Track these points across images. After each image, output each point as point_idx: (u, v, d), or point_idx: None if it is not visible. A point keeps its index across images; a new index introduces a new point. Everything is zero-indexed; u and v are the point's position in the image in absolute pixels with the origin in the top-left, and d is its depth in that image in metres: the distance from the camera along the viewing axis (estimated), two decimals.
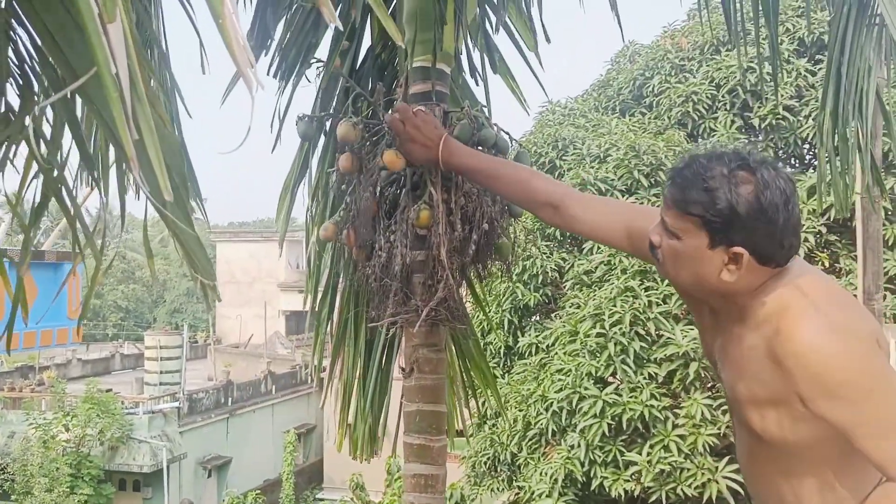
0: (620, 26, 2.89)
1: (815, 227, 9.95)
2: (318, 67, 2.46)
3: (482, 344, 5.08)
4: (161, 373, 23.54)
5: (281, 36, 2.49)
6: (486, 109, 2.46)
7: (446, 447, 2.31)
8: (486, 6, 2.49)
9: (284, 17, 2.52)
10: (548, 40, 2.45)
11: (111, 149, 1.77)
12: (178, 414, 22.24)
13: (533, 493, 8.66)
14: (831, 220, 9.76)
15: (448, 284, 2.08)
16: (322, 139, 2.61)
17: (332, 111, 2.52)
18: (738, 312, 1.53)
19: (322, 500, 23.84)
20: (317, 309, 2.65)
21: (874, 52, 2.53)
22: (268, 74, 2.47)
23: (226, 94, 2.23)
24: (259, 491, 20.25)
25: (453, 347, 2.62)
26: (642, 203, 9.71)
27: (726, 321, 1.58)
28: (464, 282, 2.33)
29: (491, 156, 2.14)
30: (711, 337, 1.66)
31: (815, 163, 11.11)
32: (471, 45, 2.59)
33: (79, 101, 1.61)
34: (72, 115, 1.56)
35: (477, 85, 2.62)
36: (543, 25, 2.49)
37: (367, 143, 2.20)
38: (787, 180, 1.46)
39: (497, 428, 9.84)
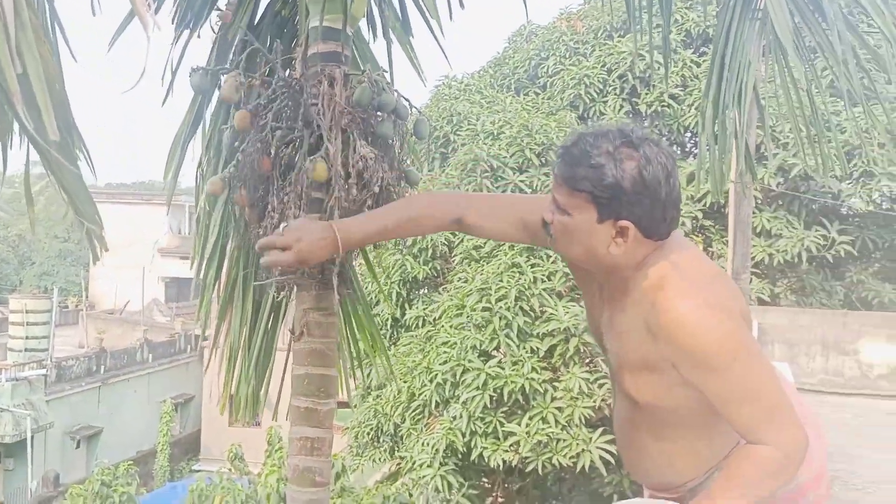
0: (526, 6, 2.91)
1: (691, 213, 10.46)
2: (218, 18, 2.34)
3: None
4: (27, 338, 22.30)
5: None
6: (386, 74, 2.41)
7: (334, 411, 2.29)
8: None
9: None
10: (462, 5, 2.42)
11: None
12: (45, 382, 21.13)
13: (414, 463, 8.75)
14: (707, 205, 10.29)
15: None
16: (217, 94, 2.49)
17: (228, 66, 2.41)
18: (622, 286, 1.60)
19: (199, 471, 23.26)
20: (203, 271, 2.55)
21: (755, 46, 2.66)
22: (172, 23, 2.34)
23: (117, 35, 2.08)
24: (132, 462, 19.51)
25: (342, 314, 2.59)
26: (532, 181, 9.91)
27: (612, 295, 1.65)
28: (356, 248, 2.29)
29: (381, 210, 1.99)
30: (598, 310, 1.73)
31: (696, 151, 11.65)
32: (375, 9, 2.53)
33: None
34: None
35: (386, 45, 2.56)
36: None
37: (263, 101, 2.11)
38: (668, 156, 1.52)
39: (381, 399, 9.88)
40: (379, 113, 2.20)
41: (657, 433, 1.70)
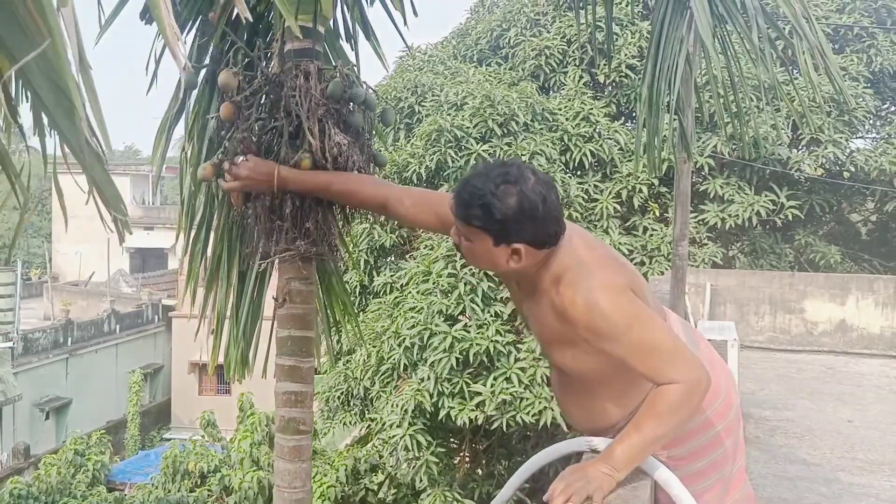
0: None
1: (648, 180, 10.86)
2: (209, 20, 2.58)
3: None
4: None
5: None
6: (355, 69, 2.69)
7: (314, 368, 2.60)
8: None
9: None
10: (415, 13, 2.69)
11: None
12: (12, 354, 21.10)
13: (384, 424, 9.08)
14: (662, 174, 10.68)
15: (327, 224, 2.35)
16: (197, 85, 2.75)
17: (208, 61, 2.67)
18: (532, 283, 1.97)
19: (170, 439, 23.48)
20: (190, 246, 2.82)
21: (686, 35, 2.97)
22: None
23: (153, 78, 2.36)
24: (104, 432, 19.66)
25: (318, 282, 2.88)
26: (495, 151, 10.20)
27: (527, 289, 2.02)
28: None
29: (330, 174, 2.39)
30: (519, 301, 2.12)
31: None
32: (344, 9, 2.80)
33: None
34: None
35: (352, 48, 2.83)
36: None
37: (247, 93, 2.38)
38: (543, 183, 1.85)
39: (351, 364, 10.18)
40: (352, 104, 2.48)
41: (585, 390, 2.07)
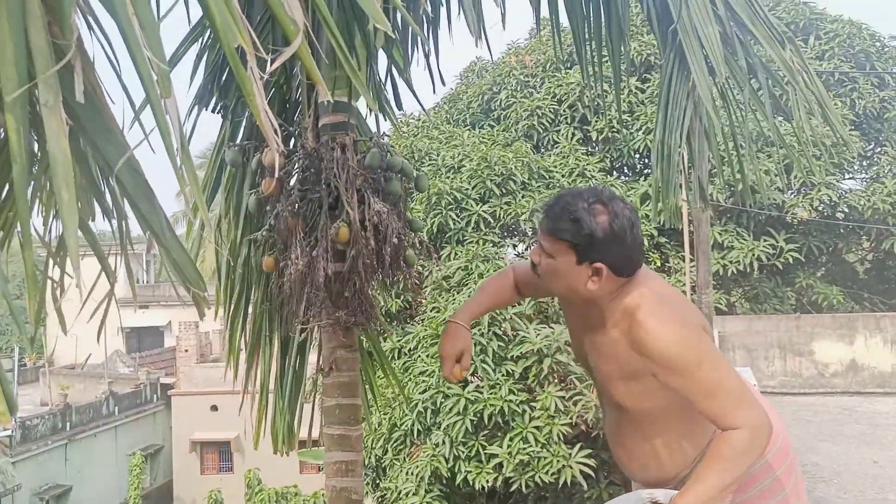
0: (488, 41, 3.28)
1: (647, 231, 10.96)
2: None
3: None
4: None
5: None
6: (387, 139, 2.76)
7: (362, 436, 2.59)
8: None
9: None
10: (443, 83, 2.79)
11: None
12: (10, 443, 20.70)
13: (399, 493, 8.93)
14: (661, 224, 10.78)
15: (365, 292, 2.37)
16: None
17: (241, 140, 2.74)
18: (601, 314, 1.98)
19: None
20: (229, 320, 2.84)
21: (691, 91, 3.07)
22: (213, 111, 2.66)
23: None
24: None
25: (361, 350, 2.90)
26: (494, 211, 10.31)
27: (593, 321, 2.02)
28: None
29: (476, 297, 2.41)
30: (581, 334, 2.12)
31: (647, 171, 12.20)
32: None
33: None
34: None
35: (385, 119, 2.91)
36: (440, 71, 2.83)
37: (289, 168, 2.44)
38: (632, 211, 1.91)
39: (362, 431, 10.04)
40: (389, 172, 2.54)
41: (645, 433, 2.05)
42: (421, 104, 3.01)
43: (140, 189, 1.47)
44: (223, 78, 2.79)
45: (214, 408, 22.52)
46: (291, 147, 2.59)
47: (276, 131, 1.17)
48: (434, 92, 2.82)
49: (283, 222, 2.39)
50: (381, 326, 2.67)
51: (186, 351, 25.20)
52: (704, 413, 1.85)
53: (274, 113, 2.80)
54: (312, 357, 2.88)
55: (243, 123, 2.85)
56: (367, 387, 3.04)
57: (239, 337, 2.87)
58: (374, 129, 3.00)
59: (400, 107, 2.94)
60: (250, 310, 2.85)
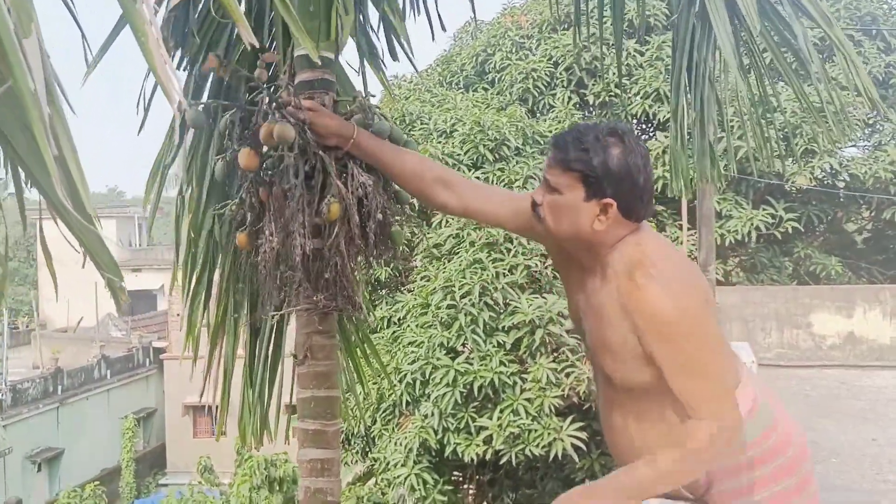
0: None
1: None
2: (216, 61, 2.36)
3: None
4: None
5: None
6: (372, 99, 2.46)
7: (340, 431, 2.34)
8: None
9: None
10: (443, 28, 2.52)
11: None
12: (1, 406, 20.62)
13: (388, 464, 8.81)
14: (658, 191, 10.53)
15: (347, 274, 2.12)
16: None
17: (206, 97, 2.46)
18: (600, 267, 1.77)
19: (166, 485, 22.97)
20: (190, 299, 2.57)
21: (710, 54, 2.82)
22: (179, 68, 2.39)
23: (146, 112, 2.15)
24: (97, 482, 19.18)
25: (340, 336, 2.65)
26: (487, 177, 10.02)
27: (590, 277, 1.81)
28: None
29: (394, 148, 2.21)
30: (577, 293, 1.89)
31: (645, 137, 11.89)
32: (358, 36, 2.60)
33: None
34: None
35: (358, 75, 2.62)
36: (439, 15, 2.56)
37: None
38: (645, 148, 1.76)
39: (350, 402, 9.89)
40: None
41: (636, 414, 1.83)
42: (413, 64, 2.71)
43: (38, 160, 1.22)
44: (187, 25, 2.50)
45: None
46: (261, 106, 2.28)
47: (175, 87, 0.91)
48: (434, 40, 2.54)
49: (255, 194, 2.12)
50: (363, 314, 2.39)
51: (178, 315, 25.02)
52: (677, 391, 1.67)
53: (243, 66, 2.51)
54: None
55: (209, 78, 2.56)
56: (346, 376, 2.79)
57: (201, 317, 2.60)
58: (360, 88, 2.70)
59: (395, 57, 2.64)
60: (214, 289, 2.59)
